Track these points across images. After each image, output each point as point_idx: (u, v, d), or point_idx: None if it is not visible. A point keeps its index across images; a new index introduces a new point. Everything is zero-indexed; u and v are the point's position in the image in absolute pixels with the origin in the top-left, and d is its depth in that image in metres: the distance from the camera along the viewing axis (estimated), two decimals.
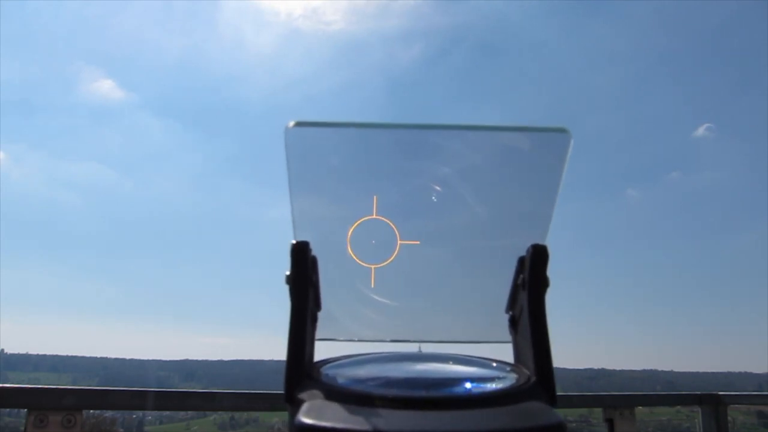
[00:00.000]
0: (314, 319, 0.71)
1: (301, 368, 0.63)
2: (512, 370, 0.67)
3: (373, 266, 0.76)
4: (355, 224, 0.74)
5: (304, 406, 0.53)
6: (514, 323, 0.73)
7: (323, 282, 0.72)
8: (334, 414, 0.52)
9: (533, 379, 0.62)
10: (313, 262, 0.68)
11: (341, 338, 0.78)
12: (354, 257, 0.74)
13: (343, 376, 0.64)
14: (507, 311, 0.74)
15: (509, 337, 0.74)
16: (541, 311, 0.66)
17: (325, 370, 0.66)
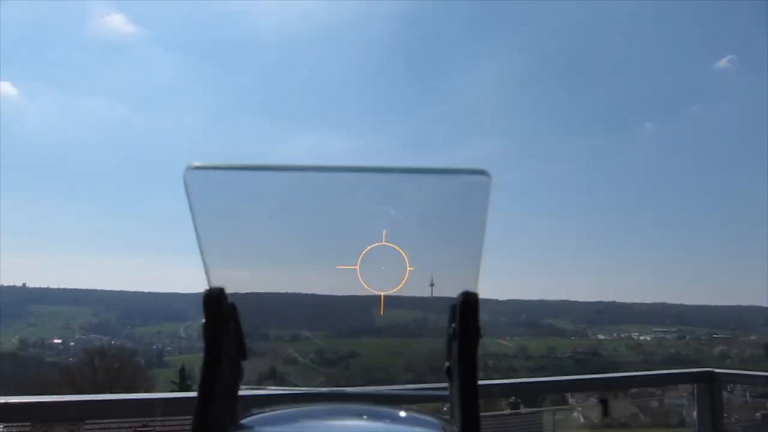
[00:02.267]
0: (237, 370, 0.68)
1: (206, 424, 0.60)
2: (440, 427, 0.65)
3: (383, 293, 0.73)
4: (366, 250, 0.69)
5: None
6: (449, 373, 0.70)
7: (250, 329, 0.68)
8: None
9: None
10: (232, 309, 0.64)
11: (270, 388, 0.75)
12: (363, 284, 0.70)
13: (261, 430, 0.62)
14: (445, 361, 0.71)
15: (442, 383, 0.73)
16: (471, 363, 0.62)
17: (247, 422, 0.64)
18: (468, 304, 0.63)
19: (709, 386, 2.84)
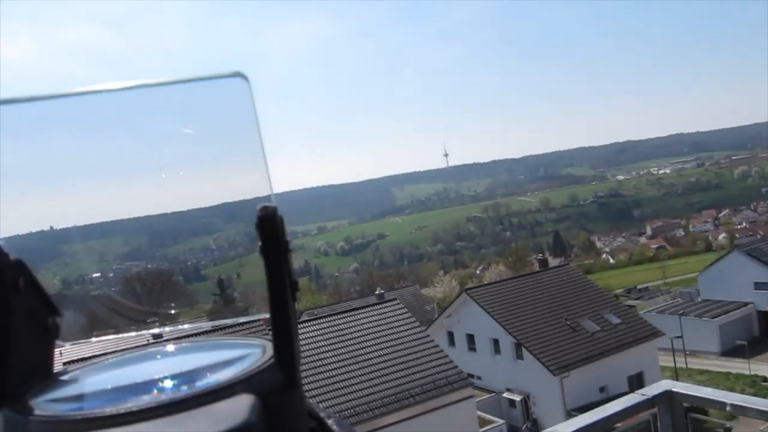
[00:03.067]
0: (46, 329, 0.65)
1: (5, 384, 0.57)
2: (258, 350, 0.64)
3: None
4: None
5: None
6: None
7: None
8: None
9: (271, 360, 0.59)
10: (20, 266, 0.60)
11: (78, 340, 0.74)
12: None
13: (51, 397, 0.59)
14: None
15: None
16: (281, 283, 0.60)
17: (38, 390, 0.60)
18: (267, 219, 0.59)
19: (670, 409, 2.66)
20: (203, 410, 0.53)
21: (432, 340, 19.25)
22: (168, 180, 0.70)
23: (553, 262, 36.20)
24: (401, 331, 19.16)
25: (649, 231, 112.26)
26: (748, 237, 77.08)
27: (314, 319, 20.01)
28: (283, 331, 0.60)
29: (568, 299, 24.76)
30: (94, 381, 0.65)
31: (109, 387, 0.63)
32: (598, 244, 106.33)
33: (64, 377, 0.64)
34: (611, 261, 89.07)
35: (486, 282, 35.60)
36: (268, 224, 0.58)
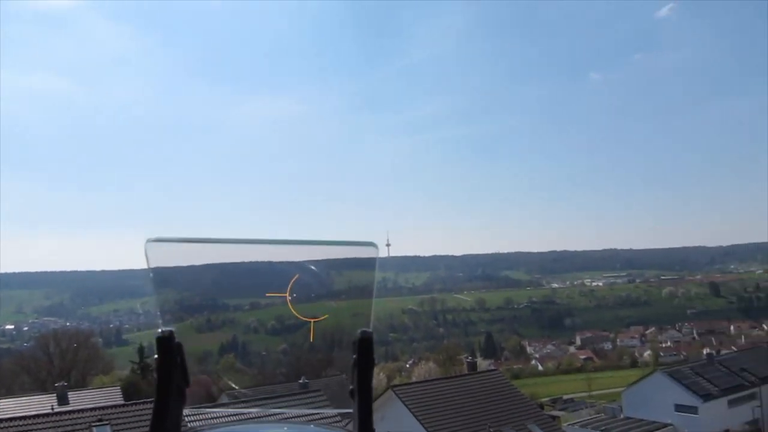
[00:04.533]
0: (181, 395, 0.84)
1: None
2: None
3: (312, 320, 0.96)
4: (291, 282, 0.92)
5: None
6: (353, 395, 0.91)
7: (193, 363, 0.86)
8: None
9: None
10: (179, 348, 0.82)
11: (209, 406, 0.92)
12: (293, 311, 0.93)
13: None
14: (350, 384, 0.93)
15: (349, 406, 0.94)
16: (367, 386, 0.87)
17: None
18: (364, 341, 0.89)
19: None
20: None
21: None
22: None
23: (483, 363, 36.05)
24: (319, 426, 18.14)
25: (578, 341, 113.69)
26: (671, 356, 78.96)
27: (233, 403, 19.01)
28: (365, 416, 0.85)
29: (494, 406, 24.54)
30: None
31: None
32: (529, 350, 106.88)
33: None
34: (540, 368, 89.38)
35: (414, 379, 35.06)
36: (366, 344, 0.88)
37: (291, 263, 0.93)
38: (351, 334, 0.92)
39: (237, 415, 0.95)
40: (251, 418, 0.94)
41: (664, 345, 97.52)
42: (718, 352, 49.74)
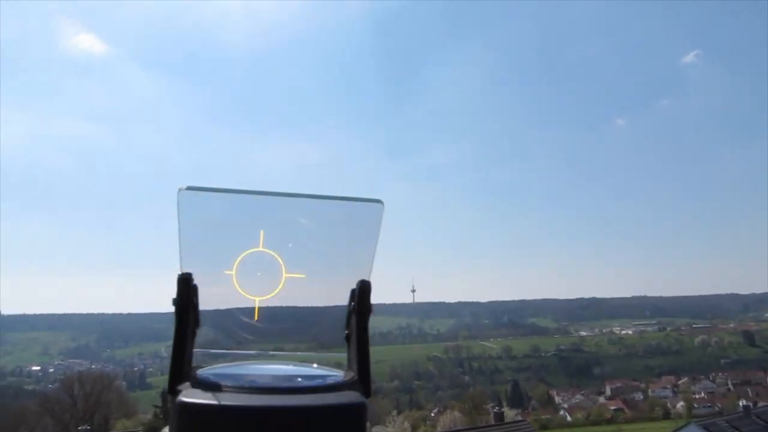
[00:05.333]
0: (194, 335, 0.89)
1: (181, 371, 0.83)
2: (343, 373, 0.91)
3: (257, 298, 0.96)
4: (242, 255, 0.93)
5: (183, 393, 0.76)
6: (348, 339, 0.96)
7: (207, 306, 0.91)
8: (204, 396, 0.75)
9: (355, 378, 0.88)
10: (195, 289, 0.87)
11: (217, 349, 0.98)
12: (239, 289, 0.93)
13: (214, 375, 0.86)
14: (345, 329, 0.97)
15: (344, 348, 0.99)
16: (364, 331, 0.92)
17: (201, 372, 0.87)
18: (363, 288, 0.92)
19: None
20: (332, 394, 0.81)
21: None
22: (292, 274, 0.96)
23: (509, 413, 35.16)
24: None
25: (608, 391, 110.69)
26: (706, 408, 76.28)
27: None
28: (363, 357, 0.90)
29: None
30: (236, 372, 0.91)
31: (253, 374, 0.91)
32: (557, 399, 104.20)
33: (206, 369, 0.90)
34: (568, 418, 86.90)
35: (439, 429, 34.27)
36: (364, 291, 0.91)
37: (304, 214, 0.96)
38: (351, 284, 0.95)
39: (238, 356, 1.01)
40: (251, 361, 0.99)
41: (697, 396, 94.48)
42: (754, 404, 47.97)
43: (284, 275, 0.96)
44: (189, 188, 0.89)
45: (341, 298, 0.98)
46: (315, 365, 0.99)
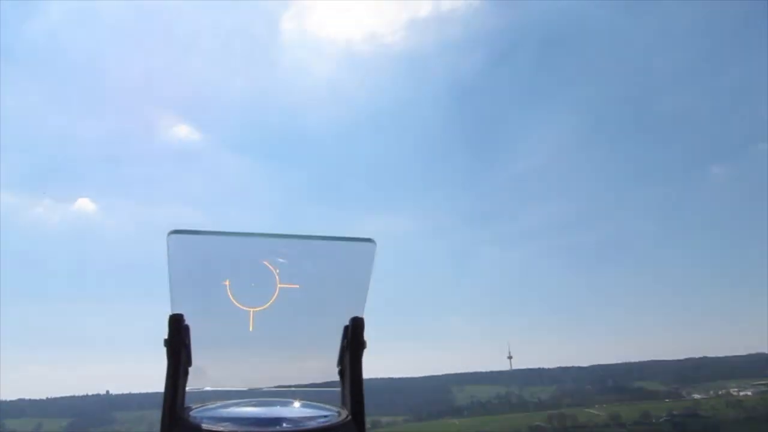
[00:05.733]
0: (186, 373, 0.91)
1: (174, 413, 0.83)
2: (336, 412, 0.91)
3: (252, 309, 0.97)
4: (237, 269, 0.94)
5: None
6: (342, 375, 0.97)
7: (198, 345, 0.92)
8: None
9: (348, 418, 0.87)
10: (186, 329, 0.89)
11: (208, 388, 0.99)
12: (233, 300, 0.94)
13: (205, 417, 0.86)
14: (338, 366, 0.98)
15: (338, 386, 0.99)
16: (358, 367, 0.92)
17: (193, 414, 0.87)
18: (356, 324, 0.94)
19: None
20: None
21: None
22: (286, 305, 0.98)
23: None
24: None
25: None
26: None
27: None
28: (357, 394, 0.91)
29: None
30: (228, 414, 0.91)
31: (243, 417, 0.91)
32: None
33: (198, 410, 0.90)
34: None
35: None
36: (357, 327, 0.92)
37: (297, 255, 0.98)
38: (344, 321, 0.96)
39: (230, 394, 1.02)
40: (244, 399, 0.99)
41: None
42: None
43: (278, 285, 0.96)
44: (176, 231, 0.90)
45: (334, 335, 0.98)
46: (308, 402, 0.98)
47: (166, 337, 0.87)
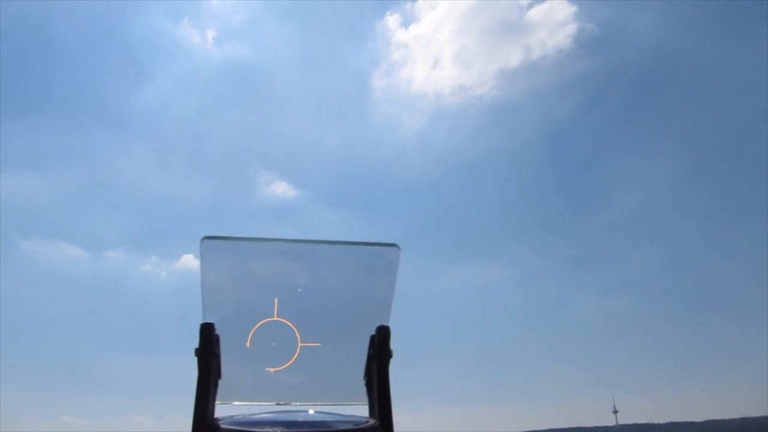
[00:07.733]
0: (215, 385, 0.89)
1: (205, 424, 0.83)
2: (365, 420, 0.91)
3: (272, 369, 0.97)
4: (257, 326, 0.95)
5: None
6: (369, 386, 0.97)
7: (227, 356, 0.91)
8: None
9: (377, 424, 0.88)
10: (217, 339, 0.88)
11: (237, 401, 0.98)
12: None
13: (237, 426, 0.85)
14: (364, 377, 0.98)
15: (365, 398, 0.99)
16: (385, 377, 0.91)
17: (224, 424, 0.85)
18: (382, 333, 0.93)
19: None
20: None
21: None
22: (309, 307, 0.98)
23: None
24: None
25: None
26: None
27: None
28: (385, 402, 0.90)
29: None
30: (256, 420, 0.91)
31: (275, 421, 0.92)
32: None
33: (227, 420, 0.90)
34: None
35: None
36: (383, 336, 0.91)
37: (323, 261, 0.98)
38: (370, 330, 0.96)
39: (259, 407, 1.01)
40: (273, 411, 0.99)
41: None
42: None
43: (299, 344, 0.96)
44: (210, 237, 0.89)
45: (363, 345, 0.98)
46: (338, 412, 1.00)
47: (197, 346, 0.86)
